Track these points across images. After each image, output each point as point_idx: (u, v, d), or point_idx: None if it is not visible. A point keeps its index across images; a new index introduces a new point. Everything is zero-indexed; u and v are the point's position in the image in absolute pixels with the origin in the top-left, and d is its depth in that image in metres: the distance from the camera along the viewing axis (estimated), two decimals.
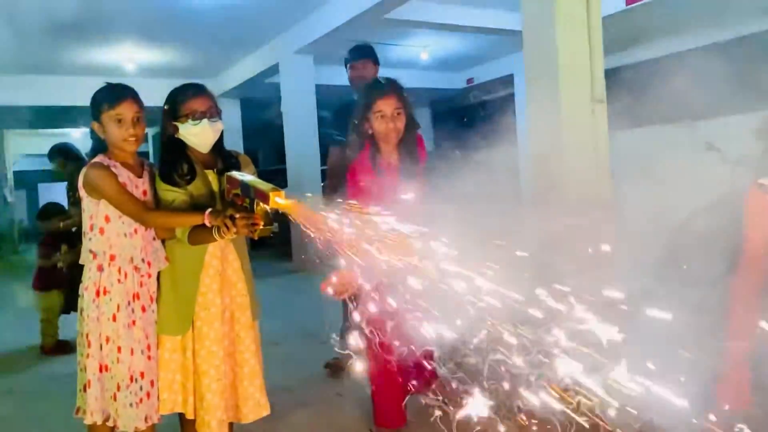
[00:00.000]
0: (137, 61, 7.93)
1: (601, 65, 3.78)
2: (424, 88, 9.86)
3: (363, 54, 3.62)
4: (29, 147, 13.97)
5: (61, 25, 6.41)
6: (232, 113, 9.86)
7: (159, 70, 8.42)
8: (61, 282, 4.27)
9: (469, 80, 10.41)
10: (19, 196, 13.74)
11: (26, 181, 16.03)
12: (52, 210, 4.38)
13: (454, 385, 1.80)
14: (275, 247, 8.77)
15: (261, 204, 1.83)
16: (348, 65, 3.63)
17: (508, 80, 9.53)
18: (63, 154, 4.34)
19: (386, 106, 2.33)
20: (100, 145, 2.14)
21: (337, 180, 3.49)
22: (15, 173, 14.51)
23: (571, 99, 3.63)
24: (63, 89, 8.37)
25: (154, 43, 7.45)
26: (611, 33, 3.98)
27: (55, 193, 6.33)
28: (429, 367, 2.57)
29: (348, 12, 5.96)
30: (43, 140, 11.32)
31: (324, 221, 1.73)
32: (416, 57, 8.60)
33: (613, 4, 6.05)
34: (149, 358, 2.04)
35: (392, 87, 2.39)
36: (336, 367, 3.35)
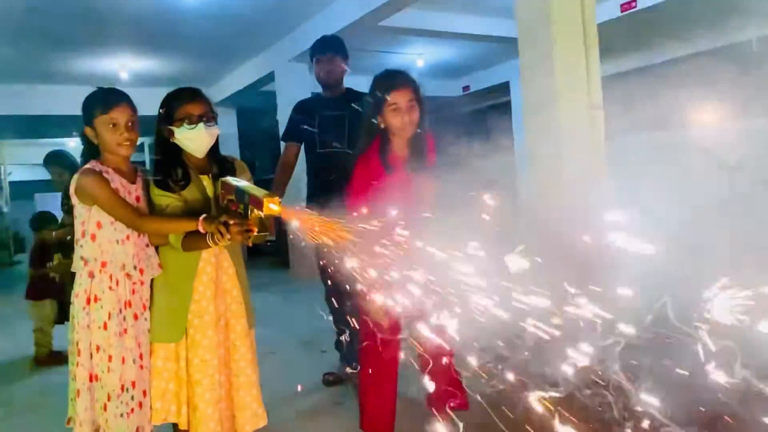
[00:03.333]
0: (132, 69, 7.92)
1: (598, 71, 3.77)
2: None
3: (330, 48, 3.27)
4: (25, 157, 13.93)
5: (56, 34, 6.41)
6: (228, 122, 9.84)
7: (153, 78, 8.40)
8: (55, 291, 4.22)
9: (465, 88, 10.42)
10: (15, 207, 13.66)
11: (23, 191, 15.95)
12: (44, 218, 4.35)
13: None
14: (273, 256, 8.73)
15: (255, 210, 1.80)
16: (313, 60, 3.29)
17: (504, 87, 9.55)
18: (58, 160, 4.29)
19: (401, 97, 2.20)
20: (92, 151, 2.11)
21: (286, 177, 3.35)
22: (11, 183, 14.46)
23: (569, 106, 3.61)
24: (58, 98, 8.34)
25: (149, 51, 7.44)
26: (606, 40, 3.98)
27: (53, 202, 6.27)
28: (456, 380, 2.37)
29: (343, 20, 5.96)
30: (39, 150, 11.18)
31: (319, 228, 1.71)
32: (412, 65, 8.60)
33: (608, 12, 6.07)
34: (141, 367, 2.00)
35: (406, 78, 2.27)
36: (334, 383, 3.29)
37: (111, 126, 2.00)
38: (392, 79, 2.26)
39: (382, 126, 2.26)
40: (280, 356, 3.90)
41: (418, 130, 2.27)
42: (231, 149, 9.53)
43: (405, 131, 2.24)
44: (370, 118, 2.28)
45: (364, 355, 2.36)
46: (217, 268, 2.12)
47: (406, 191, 2.14)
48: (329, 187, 2.87)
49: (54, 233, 4.23)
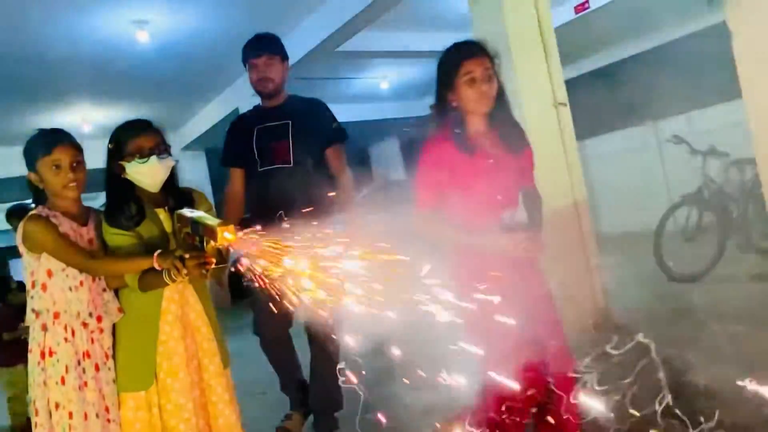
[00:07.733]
0: (93, 121, 7.75)
1: (559, 70, 3.78)
2: (388, 119, 9.82)
3: (265, 48, 2.81)
4: None
5: (10, 94, 6.27)
6: (198, 165, 9.69)
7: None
8: (27, 355, 4.02)
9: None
10: None
11: None
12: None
13: None
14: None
15: (211, 241, 1.69)
16: (247, 65, 2.85)
17: None
18: (20, 213, 4.15)
19: (476, 66, 1.88)
20: (39, 198, 2.00)
21: (236, 207, 2.93)
22: None
23: (534, 106, 3.61)
24: (20, 159, 8.14)
25: (109, 100, 7.30)
26: (565, 43, 3.99)
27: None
28: None
29: (300, 49, 5.90)
30: (3, 215, 10.99)
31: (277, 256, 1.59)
32: (376, 88, 8.59)
33: (563, 16, 6.11)
34: (108, 420, 1.85)
35: (481, 45, 1.96)
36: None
37: (54, 167, 1.91)
38: (466, 47, 1.97)
39: (454, 104, 1.93)
40: (270, 396, 3.74)
41: (498, 107, 1.96)
42: (204, 192, 9.39)
43: (482, 105, 1.91)
44: (441, 97, 1.97)
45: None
46: (182, 306, 1.99)
47: (492, 177, 1.87)
48: (268, 210, 2.59)
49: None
